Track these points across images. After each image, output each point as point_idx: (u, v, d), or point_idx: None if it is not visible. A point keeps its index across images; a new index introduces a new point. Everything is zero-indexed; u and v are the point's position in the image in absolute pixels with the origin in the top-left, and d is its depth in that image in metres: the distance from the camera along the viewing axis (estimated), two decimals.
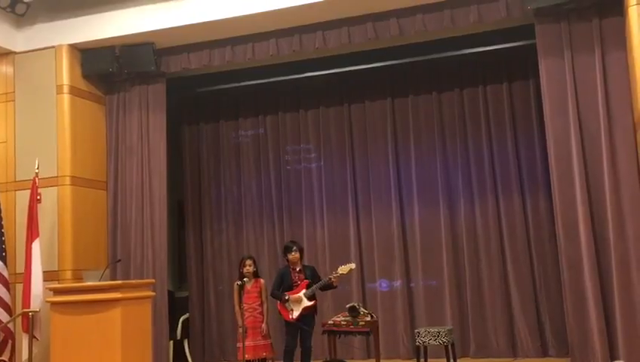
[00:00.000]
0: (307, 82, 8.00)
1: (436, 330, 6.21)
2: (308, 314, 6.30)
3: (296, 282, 6.37)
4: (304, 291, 6.29)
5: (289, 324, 6.33)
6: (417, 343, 6.27)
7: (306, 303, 6.26)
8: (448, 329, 6.31)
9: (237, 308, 6.42)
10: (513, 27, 6.80)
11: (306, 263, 6.73)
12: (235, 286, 6.45)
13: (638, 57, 5.56)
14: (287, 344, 6.33)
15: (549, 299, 7.15)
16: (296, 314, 6.26)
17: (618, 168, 5.97)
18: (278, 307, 6.40)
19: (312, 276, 6.43)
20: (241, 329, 6.23)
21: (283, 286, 6.39)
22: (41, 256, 6.61)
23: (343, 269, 6.25)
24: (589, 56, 6.16)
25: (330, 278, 6.27)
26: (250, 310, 6.45)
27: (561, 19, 6.28)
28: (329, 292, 6.78)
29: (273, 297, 6.45)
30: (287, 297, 6.29)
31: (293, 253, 6.41)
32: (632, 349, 5.77)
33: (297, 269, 6.43)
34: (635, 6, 5.58)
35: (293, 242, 6.60)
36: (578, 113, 6.14)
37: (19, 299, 6.72)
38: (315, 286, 6.28)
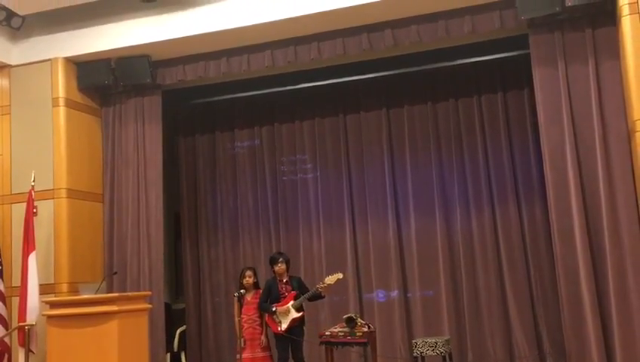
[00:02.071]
0: (302, 93, 8.01)
1: (434, 341, 6.19)
2: (296, 325, 6.28)
3: (283, 294, 6.36)
4: (292, 302, 6.27)
5: (279, 337, 6.31)
6: (415, 354, 6.25)
7: (294, 314, 6.25)
8: (446, 340, 6.30)
9: (236, 319, 6.39)
10: (507, 37, 6.84)
11: (301, 274, 6.70)
12: (234, 298, 6.43)
13: (631, 66, 5.61)
14: (280, 356, 6.31)
15: (547, 307, 7.14)
16: (284, 326, 6.24)
17: (613, 176, 6.00)
18: (267, 319, 6.39)
19: (299, 287, 6.41)
20: (239, 341, 6.21)
21: (270, 298, 6.37)
22: (38, 269, 6.61)
23: (330, 279, 6.23)
24: (583, 65, 6.20)
25: (317, 288, 6.25)
26: (250, 321, 6.44)
27: (554, 29, 6.33)
28: (326, 303, 6.76)
29: (262, 310, 6.42)
30: (274, 309, 6.28)
31: (279, 265, 6.40)
32: (630, 357, 5.77)
33: (284, 281, 6.42)
34: (627, 16, 5.64)
35: (280, 253, 6.61)
36: (572, 122, 6.18)
37: (15, 312, 6.71)
38: (303, 297, 6.27)
